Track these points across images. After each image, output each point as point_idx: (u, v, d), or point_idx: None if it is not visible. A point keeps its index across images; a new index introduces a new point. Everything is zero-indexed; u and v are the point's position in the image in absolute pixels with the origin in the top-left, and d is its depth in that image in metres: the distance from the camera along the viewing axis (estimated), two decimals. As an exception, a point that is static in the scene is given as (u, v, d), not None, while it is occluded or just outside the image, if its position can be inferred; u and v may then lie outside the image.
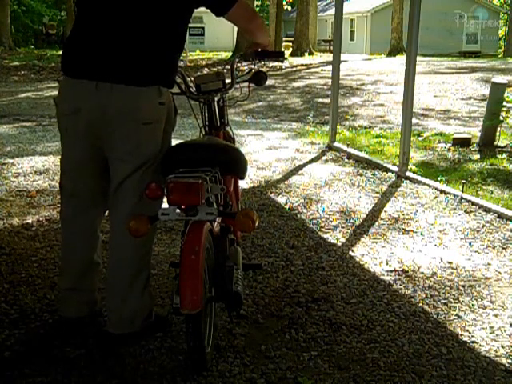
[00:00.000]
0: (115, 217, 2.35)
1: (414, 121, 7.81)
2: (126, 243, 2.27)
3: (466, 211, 4.22)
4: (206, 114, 2.72)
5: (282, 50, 22.79)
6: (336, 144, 6.45)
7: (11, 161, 5.68)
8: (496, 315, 2.71)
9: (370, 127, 8.27)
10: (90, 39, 2.19)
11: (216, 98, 2.70)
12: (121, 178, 2.27)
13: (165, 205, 2.06)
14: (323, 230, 3.86)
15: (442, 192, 4.69)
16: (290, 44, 26.18)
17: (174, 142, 2.38)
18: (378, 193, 4.73)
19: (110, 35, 2.16)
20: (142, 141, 2.20)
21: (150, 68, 2.18)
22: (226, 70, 2.87)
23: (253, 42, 2.67)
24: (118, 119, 2.15)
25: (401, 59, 19.88)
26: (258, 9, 39.81)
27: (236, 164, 2.37)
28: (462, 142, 6.76)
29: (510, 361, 2.34)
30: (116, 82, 2.13)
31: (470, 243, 3.62)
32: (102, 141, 2.22)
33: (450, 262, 3.32)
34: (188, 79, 2.67)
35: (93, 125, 2.18)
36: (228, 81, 2.71)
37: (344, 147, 6.26)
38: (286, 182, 5.10)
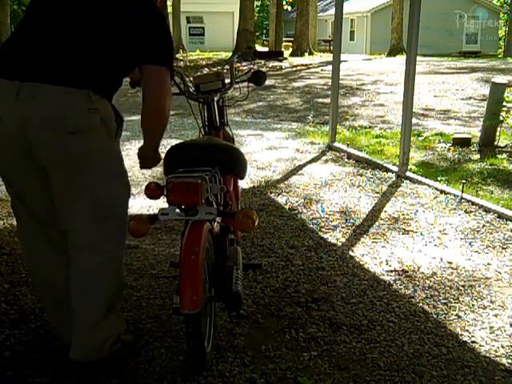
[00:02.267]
0: (73, 241, 2.12)
1: (414, 121, 7.81)
2: (93, 267, 2.08)
3: (466, 211, 4.22)
4: (206, 114, 2.72)
5: (282, 49, 22.82)
6: (336, 144, 6.45)
7: (11, 161, 5.67)
8: (496, 315, 2.71)
9: (370, 127, 8.27)
10: (21, 41, 2.02)
11: (215, 98, 2.70)
12: (60, 198, 2.06)
13: (165, 204, 2.05)
14: (323, 229, 3.86)
15: (442, 192, 4.69)
16: (290, 44, 26.19)
17: (174, 142, 2.38)
18: (378, 193, 4.73)
19: (43, 39, 2.00)
20: (70, 152, 1.95)
21: (78, 68, 1.96)
22: (225, 70, 2.87)
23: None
24: (42, 129, 1.93)
25: (401, 59, 19.87)
26: (257, 9, 39.82)
27: (236, 164, 2.37)
28: (462, 142, 6.76)
29: (510, 361, 2.34)
30: (40, 82, 1.91)
31: (470, 243, 3.62)
32: (33, 153, 1.98)
33: (450, 262, 3.32)
34: (187, 79, 2.67)
35: (17, 136, 1.95)
36: (227, 81, 2.71)
37: (344, 147, 6.26)
38: (286, 182, 5.10)
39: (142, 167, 2.32)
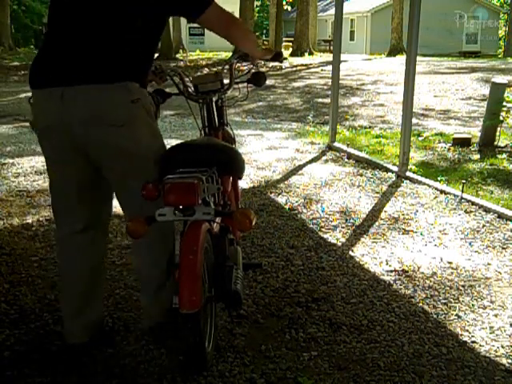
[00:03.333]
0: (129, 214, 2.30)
1: (414, 121, 7.81)
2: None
3: (466, 211, 4.22)
4: (205, 115, 2.72)
5: (282, 50, 22.78)
6: (336, 144, 6.45)
7: (11, 161, 5.68)
8: (496, 315, 2.71)
9: (370, 127, 8.27)
10: (52, 47, 2.12)
11: (214, 99, 2.70)
12: (118, 189, 2.24)
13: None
14: (323, 229, 3.86)
15: (442, 192, 4.69)
16: (290, 44, 26.19)
17: (174, 142, 2.38)
18: (378, 193, 4.73)
19: (73, 42, 2.07)
20: (121, 145, 2.07)
21: (112, 64, 2.04)
22: (225, 70, 2.87)
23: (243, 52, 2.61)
24: (88, 128, 2.03)
25: (401, 59, 19.88)
26: (257, 9, 39.86)
27: (233, 164, 2.36)
28: (462, 142, 6.76)
29: (510, 361, 2.34)
30: (78, 84, 2.00)
31: (470, 243, 3.62)
32: (85, 154, 2.11)
33: (450, 262, 3.32)
34: (186, 79, 2.66)
35: (68, 139, 2.07)
36: (226, 81, 2.70)
37: (344, 147, 6.26)
38: (286, 182, 5.10)
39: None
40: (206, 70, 16.48)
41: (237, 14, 22.96)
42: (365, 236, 3.75)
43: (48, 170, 2.31)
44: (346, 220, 4.05)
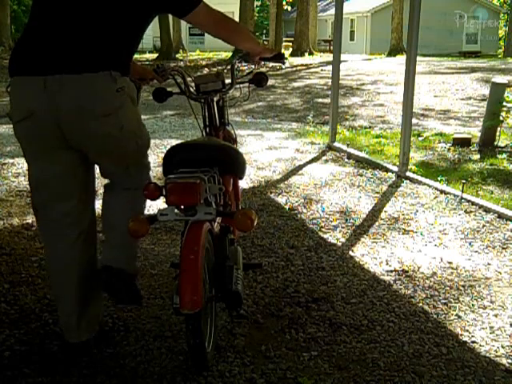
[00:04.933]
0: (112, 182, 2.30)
1: (414, 121, 7.81)
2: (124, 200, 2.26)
3: (466, 211, 4.22)
4: (206, 114, 2.72)
5: (282, 50, 22.78)
6: (336, 144, 6.45)
7: (11, 161, 5.67)
8: (496, 315, 2.71)
9: (370, 127, 8.27)
10: (35, 35, 2.08)
11: (215, 99, 2.70)
12: (109, 175, 2.26)
13: (164, 205, 2.05)
14: (323, 229, 3.86)
15: (442, 192, 4.69)
16: (290, 44, 26.19)
17: (174, 142, 2.38)
18: (378, 193, 4.73)
19: (55, 29, 2.05)
20: (106, 133, 2.07)
21: (97, 52, 2.03)
22: (226, 71, 2.87)
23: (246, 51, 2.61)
24: (76, 118, 2.01)
25: (401, 59, 19.88)
26: (257, 9, 39.86)
27: (234, 164, 2.37)
28: (462, 142, 6.76)
29: (510, 361, 2.34)
30: (63, 73, 1.97)
31: (470, 243, 3.62)
32: (70, 142, 2.09)
33: (450, 262, 3.32)
34: (188, 79, 2.67)
35: (51, 127, 2.03)
36: (228, 81, 2.71)
37: (344, 147, 6.26)
38: (285, 182, 5.10)
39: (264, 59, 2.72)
40: (206, 70, 16.48)
41: (237, 14, 22.98)
42: (365, 236, 3.75)
43: (29, 164, 2.22)
44: (346, 220, 4.05)
